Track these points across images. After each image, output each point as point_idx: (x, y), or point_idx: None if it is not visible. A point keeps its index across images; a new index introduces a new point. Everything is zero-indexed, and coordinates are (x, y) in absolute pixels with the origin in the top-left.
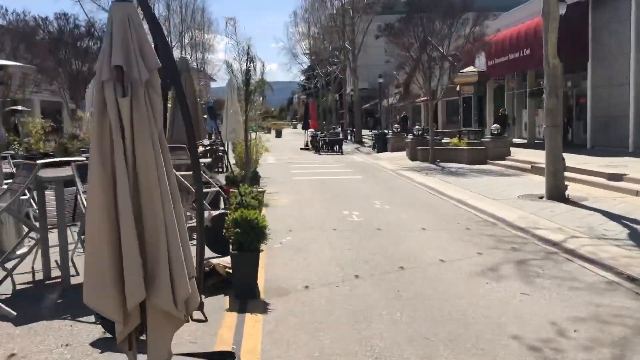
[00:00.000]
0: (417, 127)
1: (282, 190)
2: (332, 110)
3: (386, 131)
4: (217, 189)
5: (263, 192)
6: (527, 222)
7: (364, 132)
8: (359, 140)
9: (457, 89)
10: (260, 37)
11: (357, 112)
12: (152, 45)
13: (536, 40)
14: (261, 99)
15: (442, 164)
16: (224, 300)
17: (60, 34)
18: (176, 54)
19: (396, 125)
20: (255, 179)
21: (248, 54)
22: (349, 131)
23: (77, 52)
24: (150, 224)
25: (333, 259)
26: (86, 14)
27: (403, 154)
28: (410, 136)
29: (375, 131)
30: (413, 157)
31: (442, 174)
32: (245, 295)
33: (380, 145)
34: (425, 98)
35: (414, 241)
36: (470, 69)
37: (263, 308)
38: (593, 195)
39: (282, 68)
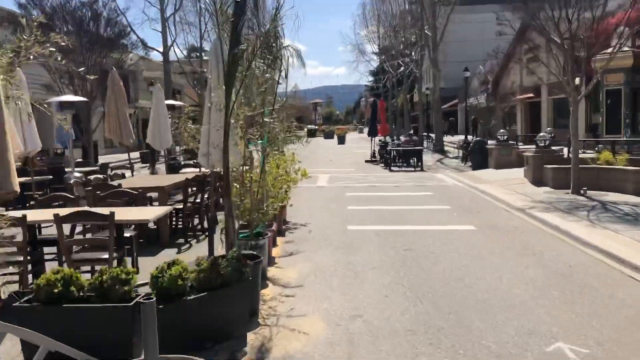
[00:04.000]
0: (542, 134)
1: (322, 269)
2: (403, 113)
3: (484, 139)
4: None
5: None
6: None
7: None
8: (439, 149)
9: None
10: (325, 41)
11: (437, 113)
12: None
13: None
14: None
15: (592, 193)
16: None
17: (80, 21)
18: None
19: (502, 130)
20: (240, 277)
21: None
22: (424, 137)
23: (100, 42)
24: None
25: None
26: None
27: (515, 172)
28: (532, 148)
29: (468, 137)
30: (537, 180)
31: (615, 218)
32: None
33: (478, 158)
34: (526, 95)
35: None
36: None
37: None
38: None
39: (348, 67)
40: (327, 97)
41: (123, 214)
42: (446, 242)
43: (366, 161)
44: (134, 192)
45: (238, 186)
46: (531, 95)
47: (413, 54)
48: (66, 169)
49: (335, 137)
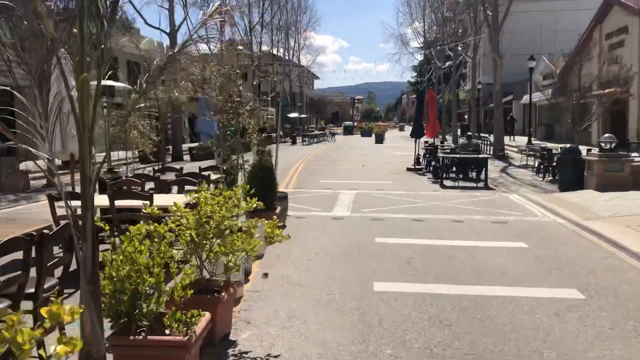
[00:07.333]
0: None
1: None
2: (450, 110)
3: (577, 147)
4: None
5: None
6: None
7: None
8: (500, 155)
9: None
10: (367, 37)
11: (498, 109)
12: None
13: None
14: None
15: None
16: None
17: None
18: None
19: (607, 135)
20: None
21: None
22: (474, 137)
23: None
24: None
25: None
26: None
27: (636, 200)
28: None
29: (532, 141)
30: None
31: None
32: None
33: (570, 174)
34: (609, 90)
35: None
36: None
37: None
38: None
39: (390, 60)
40: (367, 94)
41: None
42: None
43: (408, 169)
44: None
45: None
46: (616, 89)
47: (459, 48)
48: None
49: (373, 135)
